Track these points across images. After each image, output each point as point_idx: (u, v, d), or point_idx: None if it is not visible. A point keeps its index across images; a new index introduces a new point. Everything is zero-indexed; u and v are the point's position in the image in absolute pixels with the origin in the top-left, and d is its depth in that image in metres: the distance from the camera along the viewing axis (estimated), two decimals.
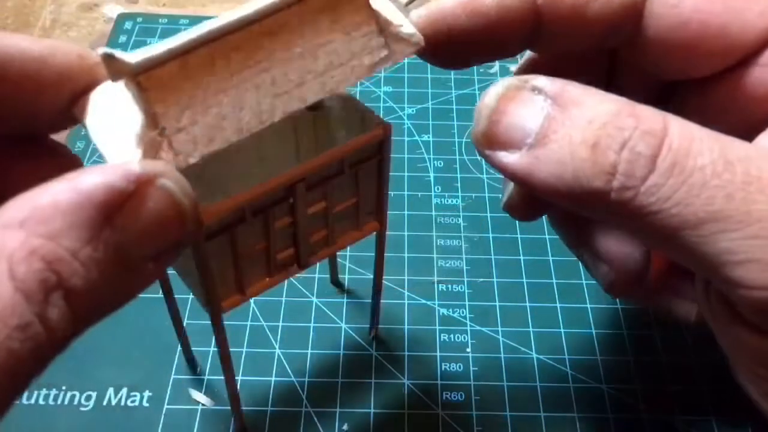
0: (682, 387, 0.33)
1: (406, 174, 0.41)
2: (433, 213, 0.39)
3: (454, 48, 0.24)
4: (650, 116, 0.20)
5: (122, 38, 0.49)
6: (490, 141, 0.22)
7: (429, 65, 0.25)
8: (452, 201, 0.40)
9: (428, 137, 0.43)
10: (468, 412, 0.32)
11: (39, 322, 0.16)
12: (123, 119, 0.20)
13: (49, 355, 0.16)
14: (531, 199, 0.27)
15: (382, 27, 0.22)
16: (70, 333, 0.17)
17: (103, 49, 0.18)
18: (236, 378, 0.30)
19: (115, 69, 0.18)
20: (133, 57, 0.18)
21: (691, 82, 0.25)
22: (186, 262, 0.24)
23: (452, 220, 0.39)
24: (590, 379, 0.33)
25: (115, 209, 0.17)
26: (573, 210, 0.22)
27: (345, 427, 0.31)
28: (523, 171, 0.21)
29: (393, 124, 0.24)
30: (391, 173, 0.26)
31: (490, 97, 0.22)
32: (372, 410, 0.31)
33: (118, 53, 0.18)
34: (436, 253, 0.37)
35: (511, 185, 0.28)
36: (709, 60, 0.24)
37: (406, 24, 0.22)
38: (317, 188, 0.24)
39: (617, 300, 0.35)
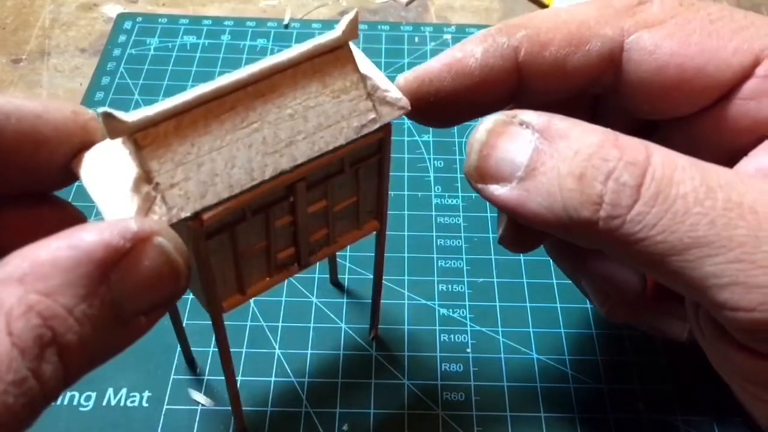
0: (682, 387, 0.33)
1: (406, 174, 0.41)
2: (433, 213, 0.39)
3: (441, 108, 0.25)
4: (633, 146, 0.21)
5: (122, 38, 0.49)
6: (481, 175, 0.23)
7: None
8: (452, 201, 0.40)
9: (428, 137, 0.43)
10: (468, 413, 0.31)
11: (33, 377, 0.16)
12: (119, 175, 0.21)
13: (41, 408, 0.17)
14: (524, 231, 0.28)
15: (370, 91, 0.23)
16: (61, 386, 0.17)
17: (102, 109, 0.19)
18: (236, 378, 0.30)
19: (113, 127, 0.19)
20: (130, 116, 0.20)
21: (672, 119, 0.26)
22: None
23: (452, 220, 0.39)
24: (590, 379, 0.33)
25: (112, 266, 0.18)
26: (564, 239, 0.22)
27: (345, 427, 0.31)
28: (514, 203, 0.22)
29: (393, 123, 0.25)
30: (391, 173, 0.26)
31: (480, 132, 0.23)
32: (372, 410, 0.31)
33: (117, 113, 0.19)
34: (436, 253, 0.37)
35: (505, 219, 0.28)
36: (688, 101, 0.25)
37: (393, 89, 0.24)
38: (318, 187, 0.24)
39: None
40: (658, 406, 0.32)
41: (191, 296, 0.35)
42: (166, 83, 0.46)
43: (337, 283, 0.36)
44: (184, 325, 0.34)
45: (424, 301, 0.35)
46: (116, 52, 0.48)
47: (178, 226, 0.21)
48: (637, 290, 0.27)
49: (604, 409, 0.32)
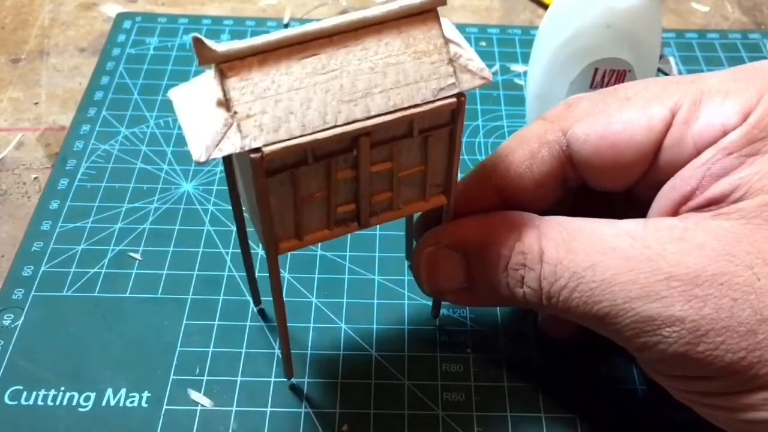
0: None
1: None
2: None
3: None
4: (532, 248, 0.26)
5: (121, 37, 0.49)
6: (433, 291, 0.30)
7: None
8: None
9: None
10: (468, 413, 0.31)
11: None
12: (204, 101, 0.22)
13: None
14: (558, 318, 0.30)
15: (452, 58, 0.24)
16: None
17: (194, 35, 0.21)
18: (287, 325, 0.30)
19: (203, 54, 0.21)
20: (220, 47, 0.21)
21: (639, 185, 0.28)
22: (251, 196, 0.24)
23: None
24: (590, 379, 0.33)
25: None
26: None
27: (345, 427, 0.31)
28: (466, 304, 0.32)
29: None
30: None
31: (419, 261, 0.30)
32: (372, 411, 0.31)
33: (207, 41, 0.21)
34: None
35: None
36: (633, 168, 0.27)
37: (476, 59, 0.24)
38: (383, 146, 0.24)
39: None
40: (659, 406, 0.32)
41: (191, 296, 0.35)
42: (166, 83, 0.46)
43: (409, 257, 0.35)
44: (184, 324, 0.34)
45: (424, 301, 0.35)
46: (115, 51, 0.48)
47: (245, 158, 0.22)
48: None
49: (604, 410, 0.32)
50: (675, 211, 0.26)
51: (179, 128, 0.43)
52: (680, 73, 0.48)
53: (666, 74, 0.47)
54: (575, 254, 0.25)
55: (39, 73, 0.47)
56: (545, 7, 0.53)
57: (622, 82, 0.37)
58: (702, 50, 0.50)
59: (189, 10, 0.52)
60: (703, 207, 0.25)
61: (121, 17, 0.51)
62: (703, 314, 0.23)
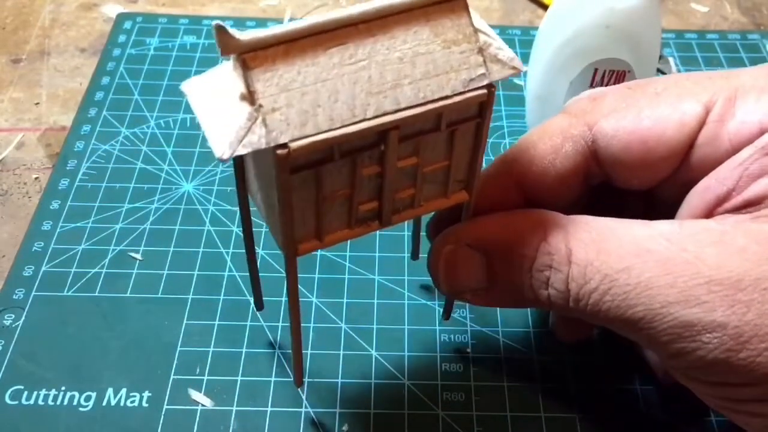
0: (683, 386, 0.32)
1: None
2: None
3: None
4: (558, 248, 0.25)
5: (122, 38, 0.49)
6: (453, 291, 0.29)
7: None
8: None
9: None
10: (468, 413, 0.31)
11: None
12: (224, 94, 0.21)
13: None
14: (572, 321, 0.30)
15: (482, 47, 0.23)
16: None
17: (216, 23, 0.20)
18: (301, 326, 0.29)
19: (225, 43, 0.20)
20: (243, 35, 0.20)
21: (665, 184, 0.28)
22: (269, 195, 0.24)
23: None
24: (591, 379, 0.33)
25: None
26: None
27: (345, 427, 0.31)
28: (485, 304, 0.29)
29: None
30: None
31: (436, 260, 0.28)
32: (372, 411, 0.31)
33: (230, 29, 0.20)
34: None
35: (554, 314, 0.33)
36: (663, 165, 0.27)
37: (506, 48, 0.24)
38: (410, 141, 0.24)
39: None
40: (660, 406, 0.32)
41: (191, 296, 0.35)
42: (166, 83, 0.46)
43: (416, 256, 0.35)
44: (183, 325, 0.34)
45: (424, 301, 0.35)
46: (116, 52, 0.48)
47: (265, 155, 0.21)
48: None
49: (605, 410, 0.32)
50: (709, 213, 0.25)
51: (180, 128, 0.43)
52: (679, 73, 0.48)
53: (665, 75, 0.47)
54: (607, 256, 0.24)
55: (40, 74, 0.48)
56: (545, 7, 0.53)
57: (622, 82, 0.37)
58: (701, 51, 0.50)
59: (189, 11, 0.53)
60: (740, 209, 0.24)
61: (121, 17, 0.51)
62: (747, 320, 0.22)
